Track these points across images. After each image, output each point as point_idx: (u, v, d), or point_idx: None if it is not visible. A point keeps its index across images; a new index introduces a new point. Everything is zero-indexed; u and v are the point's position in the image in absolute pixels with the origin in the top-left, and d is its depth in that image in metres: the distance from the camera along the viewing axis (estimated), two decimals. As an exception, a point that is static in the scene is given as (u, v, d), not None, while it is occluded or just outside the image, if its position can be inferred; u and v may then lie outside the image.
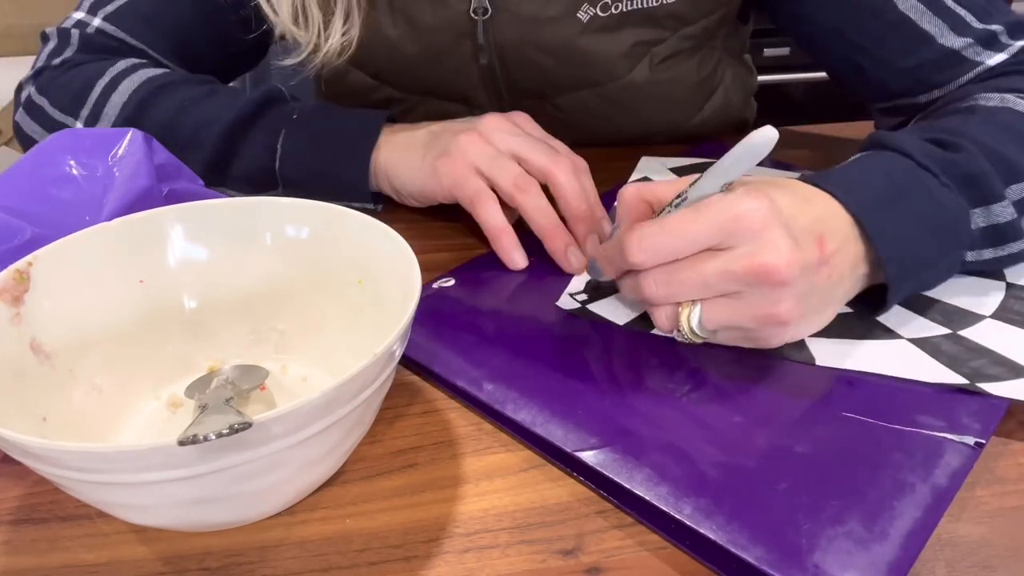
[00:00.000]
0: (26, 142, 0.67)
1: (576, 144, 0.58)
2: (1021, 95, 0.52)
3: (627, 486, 0.36)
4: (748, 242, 0.40)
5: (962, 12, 0.57)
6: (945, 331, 0.45)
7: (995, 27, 0.57)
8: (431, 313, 0.49)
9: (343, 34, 0.60)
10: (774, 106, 1.00)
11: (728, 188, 0.41)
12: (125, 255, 0.43)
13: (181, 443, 0.28)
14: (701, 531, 0.34)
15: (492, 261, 0.55)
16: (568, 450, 0.38)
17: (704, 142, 0.75)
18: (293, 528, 0.37)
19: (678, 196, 0.43)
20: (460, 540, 0.36)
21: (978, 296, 0.48)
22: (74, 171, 0.49)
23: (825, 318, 0.44)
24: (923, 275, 0.46)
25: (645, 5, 0.64)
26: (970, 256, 0.47)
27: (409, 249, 0.40)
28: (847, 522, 0.34)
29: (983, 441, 0.38)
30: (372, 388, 0.34)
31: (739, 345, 0.44)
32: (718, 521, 0.34)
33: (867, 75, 0.62)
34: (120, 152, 0.50)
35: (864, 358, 0.43)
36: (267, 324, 0.46)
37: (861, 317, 0.47)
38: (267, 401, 0.42)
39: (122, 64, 0.65)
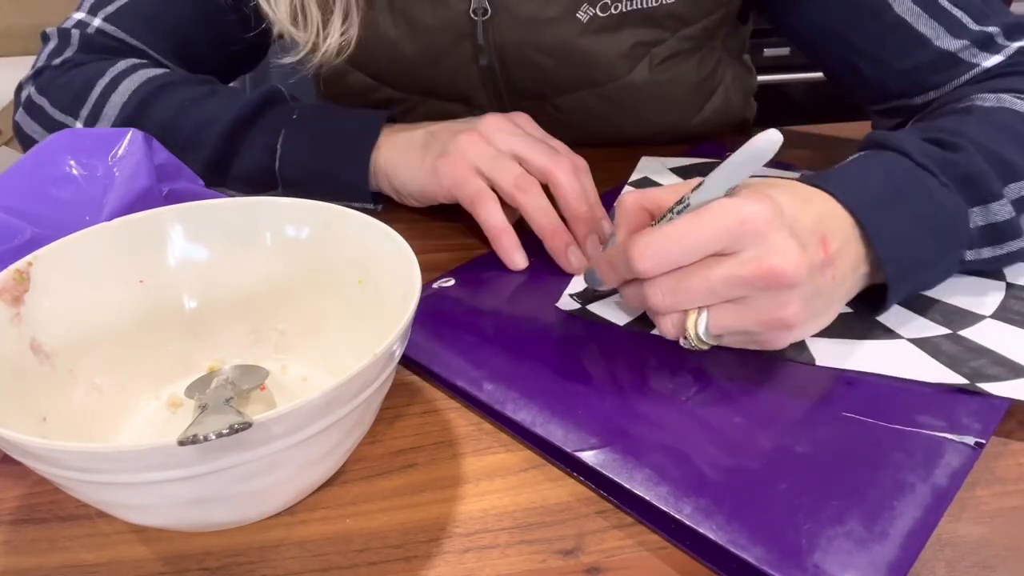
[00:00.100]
0: (26, 142, 0.67)
1: (576, 144, 0.58)
2: (1018, 95, 0.52)
3: (627, 486, 0.36)
4: (754, 246, 0.40)
5: (958, 14, 0.57)
6: (945, 331, 0.45)
7: (991, 29, 0.57)
8: (431, 313, 0.49)
9: (341, 34, 0.60)
10: (774, 106, 1.01)
11: (731, 192, 0.41)
12: (125, 255, 0.43)
13: (181, 443, 0.28)
14: (701, 531, 0.34)
15: (492, 261, 0.55)
16: (568, 450, 0.38)
17: (704, 142, 0.75)
18: (293, 528, 0.37)
19: (679, 202, 0.42)
20: (460, 540, 0.36)
21: (978, 296, 0.48)
22: (74, 171, 0.49)
23: (828, 319, 0.44)
24: (922, 275, 0.46)
25: (645, 5, 0.64)
26: (969, 255, 0.47)
27: (409, 249, 0.40)
28: (847, 522, 0.34)
29: (983, 441, 0.38)
30: (372, 388, 0.34)
31: (743, 348, 0.44)
32: (718, 521, 0.34)
33: (864, 77, 0.62)
34: (120, 152, 0.50)
35: (864, 358, 0.43)
36: (267, 324, 0.46)
37: (861, 317, 0.47)
38: (267, 401, 0.42)
39: (122, 64, 0.65)
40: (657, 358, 0.45)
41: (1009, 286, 0.49)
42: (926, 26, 0.57)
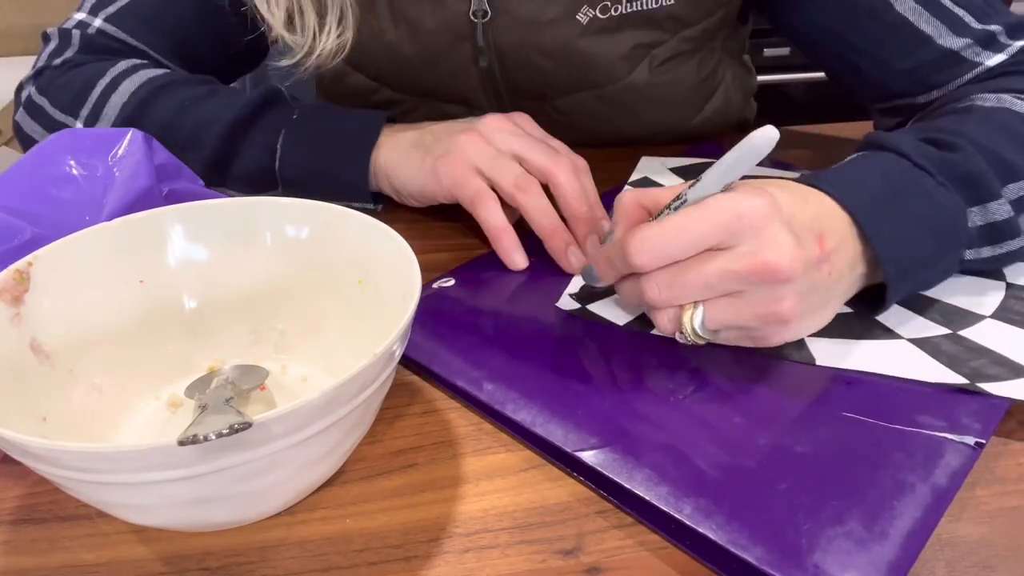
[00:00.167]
0: (26, 142, 0.67)
1: (576, 145, 0.58)
2: (1018, 95, 0.52)
3: (627, 486, 0.36)
4: (750, 240, 0.40)
5: (961, 13, 0.57)
6: (945, 331, 0.45)
7: (994, 27, 0.57)
8: (431, 313, 0.49)
9: (338, 36, 0.60)
10: (774, 106, 1.01)
11: (728, 188, 0.41)
12: (125, 255, 0.43)
13: (181, 443, 0.28)
14: (701, 531, 0.34)
15: (492, 261, 0.55)
16: (568, 450, 0.38)
17: (704, 142, 0.75)
18: (293, 528, 0.37)
19: (676, 198, 0.42)
20: (460, 540, 0.36)
21: (978, 296, 0.48)
22: (74, 171, 0.49)
23: (825, 316, 0.44)
24: (921, 275, 0.46)
25: (645, 7, 0.64)
26: (968, 255, 0.47)
27: (409, 249, 0.40)
28: (847, 522, 0.34)
29: (983, 441, 0.38)
30: (372, 388, 0.34)
31: (740, 344, 0.44)
32: (718, 521, 0.34)
33: (865, 76, 0.62)
34: (120, 152, 0.50)
35: (864, 358, 0.43)
36: (267, 324, 0.46)
37: (860, 317, 0.47)
38: (267, 401, 0.42)
39: (123, 64, 0.65)
40: (657, 358, 0.45)
41: (1009, 286, 0.49)
42: (928, 25, 0.57)
